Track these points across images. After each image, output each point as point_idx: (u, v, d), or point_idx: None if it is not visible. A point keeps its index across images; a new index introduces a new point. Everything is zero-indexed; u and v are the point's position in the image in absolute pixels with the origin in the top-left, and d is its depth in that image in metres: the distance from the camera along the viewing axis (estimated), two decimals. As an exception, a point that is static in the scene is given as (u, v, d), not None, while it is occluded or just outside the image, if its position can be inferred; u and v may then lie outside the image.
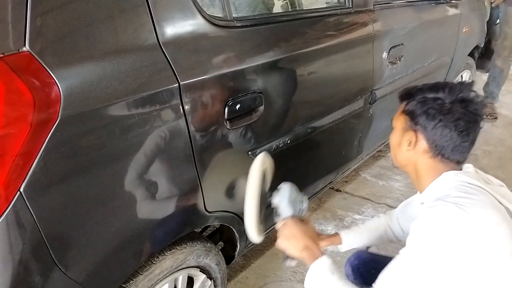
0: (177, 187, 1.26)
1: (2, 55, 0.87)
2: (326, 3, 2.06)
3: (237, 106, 1.34)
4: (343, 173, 2.45)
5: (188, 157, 1.24)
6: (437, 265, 0.98)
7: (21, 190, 0.90)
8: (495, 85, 4.16)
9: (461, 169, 1.14)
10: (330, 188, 2.70)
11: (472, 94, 1.10)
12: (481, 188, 1.05)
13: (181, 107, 1.17)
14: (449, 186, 1.08)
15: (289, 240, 1.24)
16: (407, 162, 1.19)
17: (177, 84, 1.15)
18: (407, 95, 1.18)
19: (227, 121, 1.33)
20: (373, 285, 1.06)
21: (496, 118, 4.04)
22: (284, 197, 1.31)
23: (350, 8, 1.92)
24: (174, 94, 1.15)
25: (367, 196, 2.86)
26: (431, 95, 1.11)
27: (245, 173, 1.50)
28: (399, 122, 1.19)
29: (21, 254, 0.94)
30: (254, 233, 1.29)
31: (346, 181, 3.00)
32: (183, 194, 1.28)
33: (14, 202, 0.90)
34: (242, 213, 1.55)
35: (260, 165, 1.30)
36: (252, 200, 1.27)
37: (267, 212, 1.38)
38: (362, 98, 2.09)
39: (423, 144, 1.12)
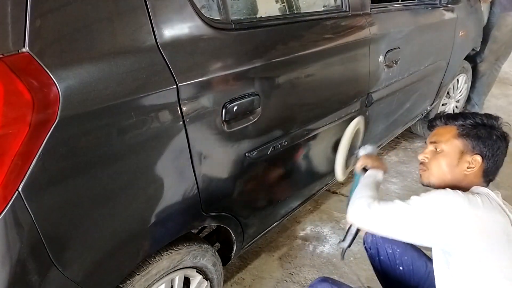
0: (174, 188, 1.27)
1: (1, 56, 0.88)
2: (324, 6, 2.07)
3: (235, 108, 1.35)
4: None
5: (185, 158, 1.25)
6: (429, 225, 1.16)
7: (20, 189, 0.91)
8: (475, 92, 4.11)
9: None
10: (326, 190, 2.71)
11: (506, 127, 1.33)
12: (499, 205, 1.17)
13: (178, 109, 1.18)
14: (476, 192, 1.21)
15: (369, 157, 1.69)
16: (458, 182, 1.29)
17: (175, 86, 1.16)
18: (456, 118, 1.34)
19: (225, 123, 1.33)
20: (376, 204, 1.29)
21: None
22: (368, 146, 1.80)
23: (347, 11, 1.93)
24: (172, 95, 1.16)
25: (364, 199, 2.86)
26: (490, 123, 1.30)
27: (243, 175, 1.52)
28: (454, 145, 1.30)
29: (19, 253, 0.95)
30: (340, 172, 1.87)
31: (342, 183, 3.00)
32: (179, 195, 1.29)
33: (13, 202, 0.91)
34: (239, 215, 1.57)
35: (356, 123, 1.89)
36: (345, 147, 1.82)
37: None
38: (359, 101, 2.10)
39: (481, 167, 1.27)
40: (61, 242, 1.03)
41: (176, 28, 1.21)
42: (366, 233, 1.70)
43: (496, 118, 1.31)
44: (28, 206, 0.93)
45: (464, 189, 1.23)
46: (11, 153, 0.89)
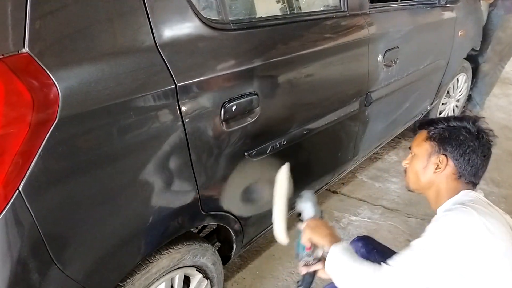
0: (173, 187, 1.27)
1: (1, 56, 0.89)
2: (322, 6, 2.08)
3: (233, 108, 1.35)
4: (339, 174, 2.47)
5: (184, 157, 1.26)
6: (446, 259, 1.08)
7: (20, 189, 0.92)
8: (477, 92, 4.14)
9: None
10: (326, 189, 2.72)
11: (486, 126, 1.30)
12: (491, 206, 1.20)
13: (177, 108, 1.19)
14: (467, 199, 1.21)
15: (315, 229, 1.35)
16: (431, 185, 1.31)
17: (174, 86, 1.17)
18: (429, 123, 1.35)
19: (224, 122, 1.34)
20: (386, 261, 1.16)
21: None
22: (308, 202, 1.47)
23: (345, 11, 1.94)
24: (170, 95, 1.17)
25: (364, 198, 2.88)
26: (458, 124, 1.29)
27: (242, 174, 1.53)
28: (423, 148, 1.32)
29: (20, 252, 0.96)
30: (283, 235, 1.48)
31: (342, 183, 3.02)
32: (179, 194, 1.30)
33: (13, 201, 0.91)
34: (238, 214, 1.58)
35: (287, 174, 1.49)
36: (282, 206, 1.46)
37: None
38: (358, 100, 2.11)
39: (450, 167, 1.27)
40: (61, 241, 1.04)
41: (175, 29, 1.22)
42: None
43: (470, 119, 1.31)
44: (29, 205, 0.94)
45: (449, 194, 1.25)
46: (12, 152, 0.90)
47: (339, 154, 2.27)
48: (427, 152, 1.31)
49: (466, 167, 1.25)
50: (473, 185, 1.28)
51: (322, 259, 1.36)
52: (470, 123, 1.28)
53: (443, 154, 1.27)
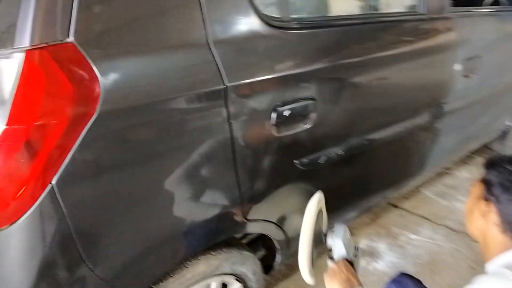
0: (214, 192, 1.21)
1: (45, 45, 0.86)
2: (398, 7, 1.92)
3: (286, 112, 1.27)
4: (401, 189, 2.30)
5: (228, 161, 1.19)
6: None
7: (53, 182, 0.89)
8: None
9: None
10: (387, 203, 2.56)
11: None
12: None
13: (225, 110, 1.12)
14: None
15: (332, 279, 1.28)
16: (478, 232, 1.15)
17: (223, 86, 1.10)
18: (490, 163, 1.15)
19: (274, 127, 1.26)
20: None
21: None
22: (339, 239, 1.35)
23: (424, 14, 1.78)
24: (218, 96, 1.10)
25: (427, 215, 2.67)
26: (509, 167, 1.09)
27: (290, 183, 1.43)
28: (476, 189, 1.17)
29: (48, 247, 0.94)
30: (307, 274, 1.35)
31: (405, 197, 2.83)
32: (219, 199, 1.23)
33: (45, 195, 0.89)
34: (283, 223, 1.49)
35: (316, 204, 1.34)
36: (307, 241, 1.32)
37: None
38: (428, 112, 1.95)
39: (494, 216, 1.08)
40: (92, 239, 1.01)
41: (230, 25, 1.15)
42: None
43: None
44: (61, 200, 0.91)
45: (498, 249, 1.06)
46: (47, 144, 0.88)
47: (402, 168, 2.11)
48: (477, 194, 1.15)
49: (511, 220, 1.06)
50: None
51: None
52: None
53: (486, 200, 1.10)
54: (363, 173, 1.82)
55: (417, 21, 1.79)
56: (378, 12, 1.89)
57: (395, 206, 2.75)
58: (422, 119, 1.92)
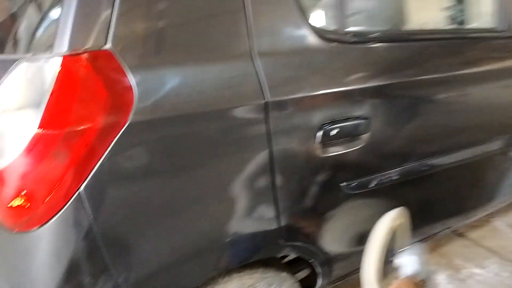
0: (249, 210, 1.15)
1: (83, 51, 0.86)
2: (472, 24, 1.76)
3: (335, 132, 1.19)
4: (467, 220, 2.11)
5: (266, 180, 1.13)
6: None
7: (81, 189, 0.89)
8: None
9: None
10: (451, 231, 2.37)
11: None
12: None
13: (264, 126, 1.07)
14: None
15: None
16: None
17: (264, 101, 1.05)
18: None
19: (319, 147, 1.18)
20: None
21: None
22: (414, 255, 1.27)
23: (502, 32, 1.61)
24: (259, 111, 1.05)
25: (496, 248, 2.43)
26: None
27: (335, 208, 1.35)
28: None
29: (74, 253, 0.93)
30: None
31: (472, 226, 2.60)
32: (255, 218, 1.17)
33: (72, 201, 0.89)
34: (324, 248, 1.40)
35: (392, 220, 1.27)
36: (376, 255, 1.23)
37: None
38: (502, 138, 1.77)
39: None
40: (119, 247, 0.99)
41: (278, 36, 1.10)
42: None
43: None
44: (88, 207, 0.91)
45: None
46: (77, 151, 0.87)
47: (468, 198, 1.93)
48: None
49: None
50: None
51: None
52: None
53: None
54: (421, 200, 1.68)
55: (493, 39, 1.63)
56: (449, 28, 1.74)
57: (461, 235, 2.54)
58: (494, 146, 1.75)
